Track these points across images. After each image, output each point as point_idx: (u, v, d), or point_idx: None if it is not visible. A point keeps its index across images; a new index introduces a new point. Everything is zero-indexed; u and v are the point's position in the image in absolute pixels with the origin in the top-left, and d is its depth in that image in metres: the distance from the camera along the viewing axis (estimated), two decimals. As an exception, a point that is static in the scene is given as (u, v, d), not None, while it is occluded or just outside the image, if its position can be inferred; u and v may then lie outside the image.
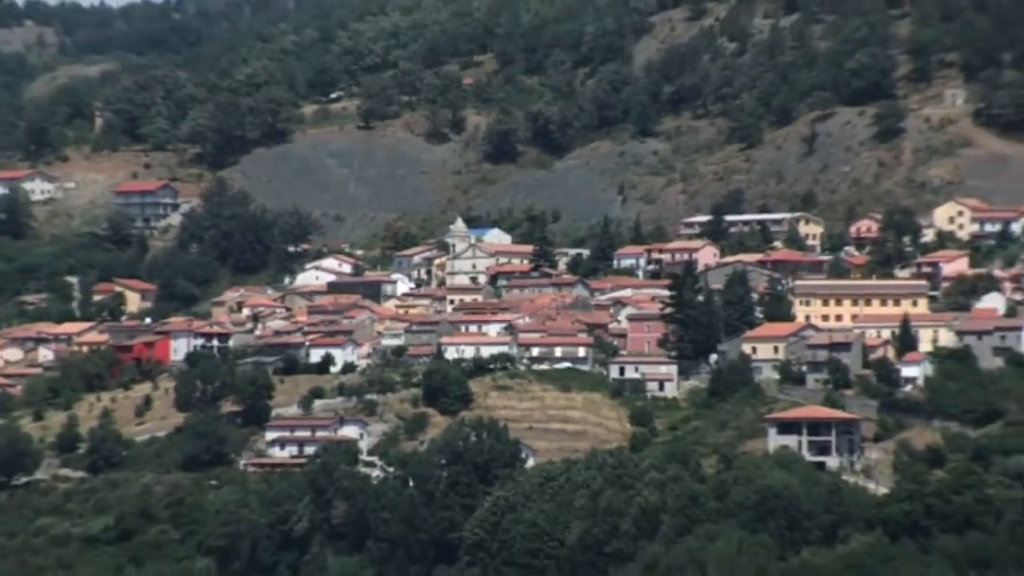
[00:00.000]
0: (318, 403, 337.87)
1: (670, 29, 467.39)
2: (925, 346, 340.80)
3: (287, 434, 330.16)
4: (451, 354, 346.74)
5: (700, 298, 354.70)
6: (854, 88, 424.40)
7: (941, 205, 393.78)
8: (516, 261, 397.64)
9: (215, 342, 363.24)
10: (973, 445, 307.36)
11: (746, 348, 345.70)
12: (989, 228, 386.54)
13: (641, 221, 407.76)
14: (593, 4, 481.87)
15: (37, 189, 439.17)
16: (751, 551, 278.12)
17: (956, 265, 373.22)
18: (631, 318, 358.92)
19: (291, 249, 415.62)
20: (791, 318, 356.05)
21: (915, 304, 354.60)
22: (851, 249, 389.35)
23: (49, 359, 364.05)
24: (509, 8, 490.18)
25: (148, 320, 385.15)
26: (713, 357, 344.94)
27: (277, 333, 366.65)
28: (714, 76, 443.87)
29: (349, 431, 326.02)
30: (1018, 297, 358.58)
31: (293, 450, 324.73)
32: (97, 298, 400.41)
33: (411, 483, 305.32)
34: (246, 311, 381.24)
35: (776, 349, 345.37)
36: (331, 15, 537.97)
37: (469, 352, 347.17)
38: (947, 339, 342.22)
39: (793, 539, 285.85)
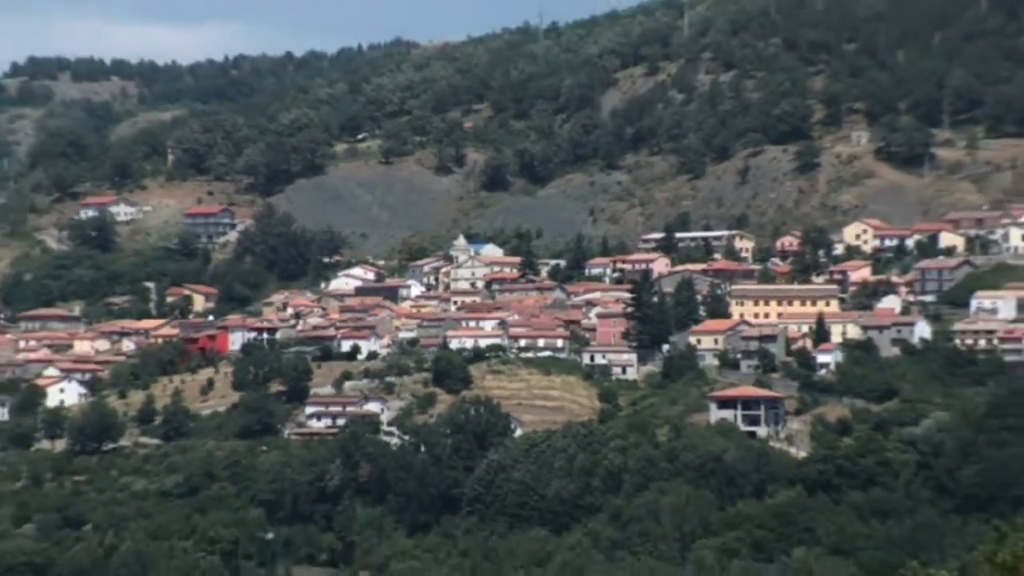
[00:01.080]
0: (348, 384, 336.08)
1: (631, 83, 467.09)
2: (836, 338, 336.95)
3: (323, 409, 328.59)
4: (454, 345, 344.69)
5: (655, 299, 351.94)
6: (779, 131, 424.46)
7: (849, 225, 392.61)
8: (507, 270, 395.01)
9: (264, 335, 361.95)
10: (875, 418, 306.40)
11: (692, 340, 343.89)
12: (888, 243, 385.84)
13: (607, 238, 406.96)
14: (568, 63, 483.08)
15: (121, 212, 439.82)
16: (696, 503, 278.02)
17: (861, 273, 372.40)
18: (599, 316, 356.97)
19: (326, 260, 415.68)
20: (728, 316, 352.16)
21: (828, 304, 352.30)
22: (776, 260, 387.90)
23: (131, 349, 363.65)
24: (501, 66, 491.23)
25: (210, 317, 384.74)
26: (665, 347, 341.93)
27: (315, 328, 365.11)
28: (666, 121, 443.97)
29: (372, 407, 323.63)
30: (911, 299, 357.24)
31: (327, 422, 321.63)
32: (169, 300, 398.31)
33: (422, 448, 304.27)
34: (289, 310, 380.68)
35: (716, 341, 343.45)
36: (358, 72, 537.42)
37: (469, 343, 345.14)
38: (854, 332, 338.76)
39: (730, 494, 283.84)
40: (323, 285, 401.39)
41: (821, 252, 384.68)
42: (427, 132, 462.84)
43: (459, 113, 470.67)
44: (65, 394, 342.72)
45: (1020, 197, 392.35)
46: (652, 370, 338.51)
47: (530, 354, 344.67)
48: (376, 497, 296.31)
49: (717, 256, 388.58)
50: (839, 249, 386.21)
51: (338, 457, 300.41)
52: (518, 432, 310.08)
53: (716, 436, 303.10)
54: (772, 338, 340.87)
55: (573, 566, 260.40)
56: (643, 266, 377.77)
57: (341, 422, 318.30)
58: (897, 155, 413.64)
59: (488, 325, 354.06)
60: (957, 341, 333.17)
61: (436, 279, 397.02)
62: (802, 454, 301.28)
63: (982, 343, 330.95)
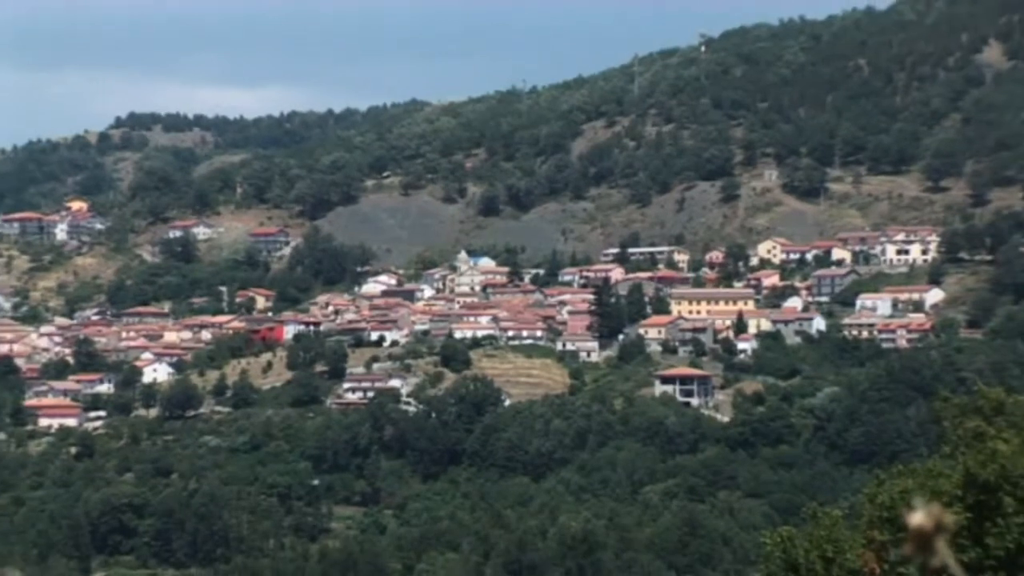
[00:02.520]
0: (375, 365, 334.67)
1: (594, 133, 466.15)
2: (752, 330, 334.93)
3: (356, 384, 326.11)
4: (458, 335, 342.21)
5: (612, 300, 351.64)
6: (708, 169, 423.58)
7: (762, 242, 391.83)
8: (498, 277, 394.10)
9: (311, 327, 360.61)
10: (782, 391, 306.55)
11: (641, 331, 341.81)
12: (792, 257, 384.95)
13: (576, 252, 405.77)
14: (545, 117, 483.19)
15: (201, 232, 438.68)
16: (644, 457, 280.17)
17: (771, 280, 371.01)
18: (570, 312, 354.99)
19: (358, 269, 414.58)
20: (669, 312, 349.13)
21: (746, 304, 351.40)
22: (706, 269, 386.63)
23: (208, 338, 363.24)
24: (494, 120, 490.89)
25: (269, 313, 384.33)
26: (620, 336, 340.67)
27: (350, 321, 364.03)
28: (621, 162, 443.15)
29: (394, 382, 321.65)
30: (810, 299, 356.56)
31: (360, 394, 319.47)
32: (238, 300, 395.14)
33: (433, 415, 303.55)
34: (330, 308, 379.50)
35: (660, 332, 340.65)
36: (383, 124, 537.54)
37: (469, 334, 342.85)
38: (765, 325, 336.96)
39: (670, 450, 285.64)
40: (356, 288, 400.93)
41: (740, 264, 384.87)
42: (436, 171, 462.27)
43: (461, 156, 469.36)
44: (157, 373, 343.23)
45: (894, 221, 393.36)
46: (610, 354, 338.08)
47: (516, 342, 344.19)
48: (397, 452, 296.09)
49: (660, 266, 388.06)
50: (754, 261, 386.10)
51: (368, 421, 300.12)
52: (507, 402, 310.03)
53: (659, 405, 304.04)
54: (703, 330, 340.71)
55: (549, 505, 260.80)
56: (603, 274, 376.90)
57: (370, 394, 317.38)
58: (799, 188, 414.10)
59: (484, 320, 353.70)
60: (845, 332, 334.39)
61: (443, 284, 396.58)
62: (725, 419, 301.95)
63: (865, 334, 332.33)
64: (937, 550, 4.27)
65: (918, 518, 4.46)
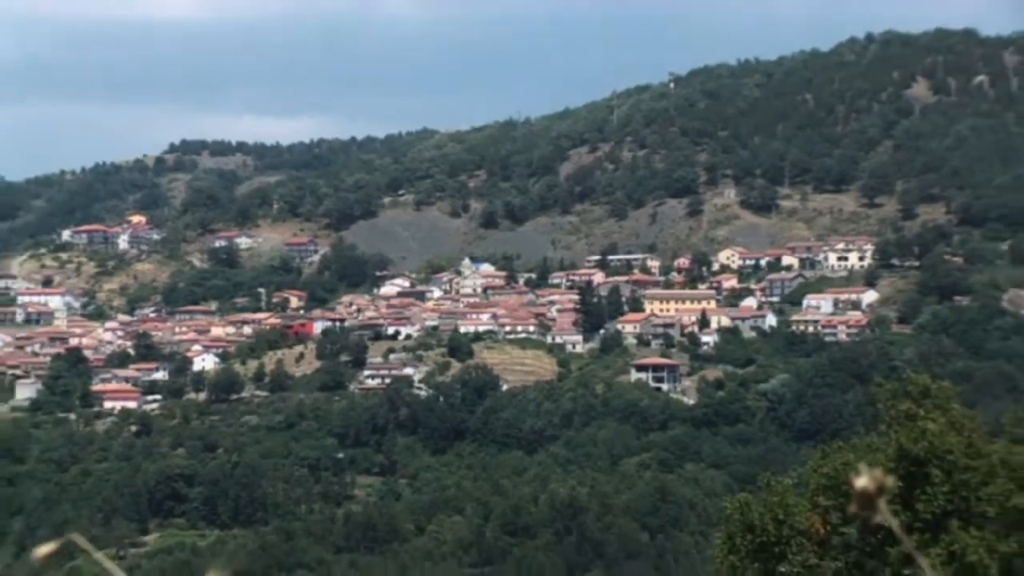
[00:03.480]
0: (392, 356, 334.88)
1: (579, 157, 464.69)
2: (714, 325, 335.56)
3: (375, 372, 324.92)
4: (462, 330, 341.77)
5: (595, 300, 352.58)
6: (676, 188, 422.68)
7: (722, 251, 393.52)
8: (497, 280, 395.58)
9: (337, 323, 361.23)
10: (739, 378, 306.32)
11: (619, 327, 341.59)
12: (748, 263, 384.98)
13: (563, 259, 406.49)
14: (537, 143, 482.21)
15: (243, 242, 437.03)
16: (621, 434, 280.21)
17: (730, 282, 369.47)
18: (559, 311, 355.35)
19: (377, 273, 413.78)
20: (643, 310, 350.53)
21: (708, 303, 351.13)
22: (675, 274, 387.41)
23: (249, 332, 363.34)
24: (493, 146, 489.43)
25: (301, 311, 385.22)
26: (601, 331, 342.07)
27: (370, 318, 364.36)
28: (602, 182, 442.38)
29: (408, 371, 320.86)
30: (763, 299, 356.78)
31: (379, 381, 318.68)
32: (274, 300, 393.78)
33: (441, 398, 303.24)
34: (354, 307, 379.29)
35: (635, 327, 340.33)
36: (398, 149, 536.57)
37: (472, 329, 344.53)
38: (725, 322, 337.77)
39: (644, 428, 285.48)
40: (375, 290, 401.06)
41: (704, 269, 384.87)
42: (444, 189, 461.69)
43: (465, 177, 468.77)
44: (205, 362, 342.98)
45: (835, 233, 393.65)
46: (592, 346, 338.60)
47: (512, 336, 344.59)
48: (410, 430, 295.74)
49: (635, 271, 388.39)
50: (716, 267, 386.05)
51: (385, 404, 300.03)
52: (504, 387, 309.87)
53: (634, 390, 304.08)
54: (671, 325, 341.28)
55: (540, 476, 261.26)
56: (587, 278, 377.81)
57: (387, 381, 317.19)
58: (754, 204, 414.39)
59: (484, 317, 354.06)
60: (793, 327, 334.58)
61: (450, 286, 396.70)
62: (691, 402, 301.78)
63: (810, 329, 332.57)
64: (879, 508, 4.31)
65: (862, 481, 4.51)
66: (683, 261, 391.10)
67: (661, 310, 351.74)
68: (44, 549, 8.42)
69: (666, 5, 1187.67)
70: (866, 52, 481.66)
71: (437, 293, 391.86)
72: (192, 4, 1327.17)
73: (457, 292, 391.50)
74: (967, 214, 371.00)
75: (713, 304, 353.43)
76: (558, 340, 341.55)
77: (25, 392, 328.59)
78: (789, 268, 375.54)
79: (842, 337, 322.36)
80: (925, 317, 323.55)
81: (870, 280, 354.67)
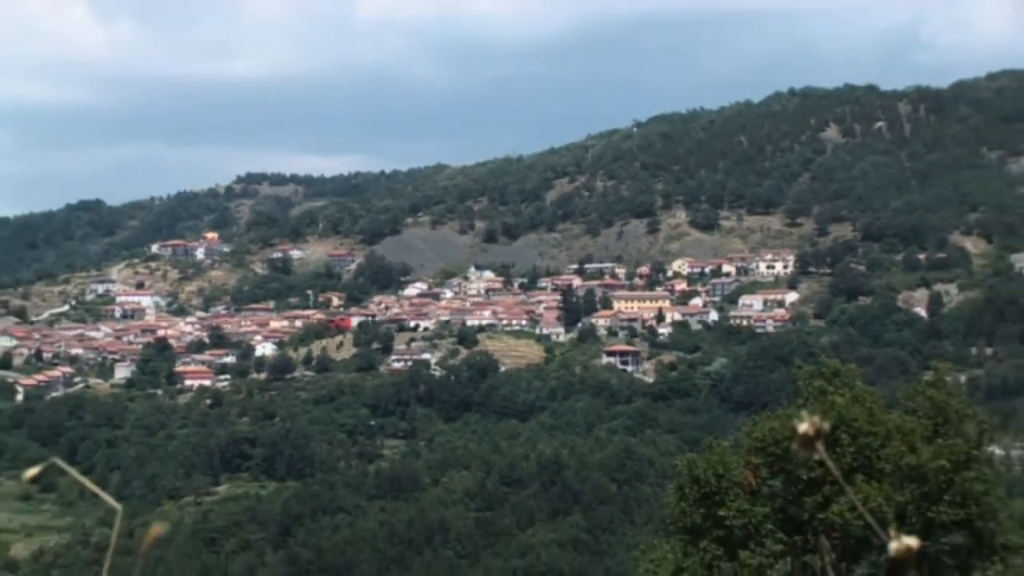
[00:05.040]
0: (413, 344, 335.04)
1: (561, 187, 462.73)
2: (668, 320, 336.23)
3: (400, 357, 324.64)
4: (469, 323, 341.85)
5: (574, 300, 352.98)
6: (639, 211, 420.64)
7: (675, 261, 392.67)
8: (497, 284, 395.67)
9: (370, 318, 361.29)
10: (688, 362, 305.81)
11: (593, 321, 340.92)
12: (695, 270, 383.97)
13: (549, 267, 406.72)
14: (528, 175, 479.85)
15: (295, 255, 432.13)
16: (595, 407, 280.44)
17: (681, 286, 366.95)
18: (546, 308, 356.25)
19: (402, 279, 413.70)
20: (612, 308, 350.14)
21: (664, 302, 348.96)
22: (638, 279, 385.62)
23: (300, 325, 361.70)
24: (493, 178, 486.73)
25: (341, 309, 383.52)
26: (579, 324, 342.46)
27: (396, 315, 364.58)
28: (580, 206, 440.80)
29: (426, 356, 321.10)
30: (707, 299, 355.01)
31: (403, 364, 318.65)
32: (320, 299, 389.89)
33: (452, 378, 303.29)
34: (383, 305, 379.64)
35: (606, 321, 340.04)
36: (418, 180, 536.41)
37: (476, 322, 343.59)
38: (677, 317, 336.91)
39: (612, 401, 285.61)
40: (400, 292, 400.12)
41: (660, 275, 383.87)
42: (454, 212, 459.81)
43: (471, 202, 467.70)
44: (265, 349, 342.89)
45: (764, 246, 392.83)
46: (572, 336, 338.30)
47: (508, 328, 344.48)
48: (427, 403, 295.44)
49: (606, 277, 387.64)
50: (670, 273, 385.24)
51: (408, 382, 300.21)
52: (502, 369, 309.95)
53: (605, 371, 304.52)
54: (635, 320, 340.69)
55: (530, 439, 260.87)
56: (568, 282, 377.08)
57: (409, 363, 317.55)
58: (700, 224, 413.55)
59: (486, 313, 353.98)
60: (731, 322, 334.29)
61: (459, 289, 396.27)
62: (650, 380, 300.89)
63: (744, 323, 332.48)
64: (817, 448, 4.31)
65: (804, 426, 4.50)
66: (644, 269, 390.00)
67: (626, 308, 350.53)
68: (31, 472, 8.09)
69: (631, 68, 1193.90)
70: (789, 103, 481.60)
71: (449, 294, 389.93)
72: (258, 65, 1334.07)
73: (465, 293, 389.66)
74: (869, 231, 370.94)
75: (667, 303, 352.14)
76: (544, 332, 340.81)
77: (122, 372, 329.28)
78: (728, 274, 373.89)
79: (770, 329, 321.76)
80: (835, 313, 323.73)
81: (792, 284, 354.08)
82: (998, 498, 40.39)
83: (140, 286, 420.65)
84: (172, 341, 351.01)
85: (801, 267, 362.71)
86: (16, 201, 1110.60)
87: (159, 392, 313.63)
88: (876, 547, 37.57)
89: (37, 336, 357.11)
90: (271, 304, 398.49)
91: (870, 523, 37.42)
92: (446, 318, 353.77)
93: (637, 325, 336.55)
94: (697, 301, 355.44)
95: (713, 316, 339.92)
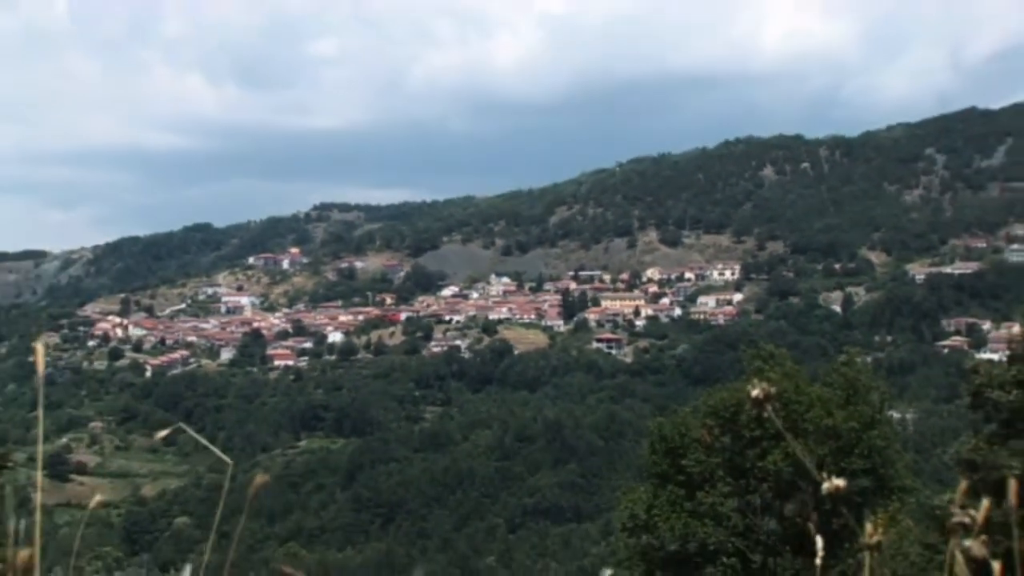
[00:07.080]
0: (448, 333, 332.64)
1: (560, 214, 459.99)
2: (643, 315, 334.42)
3: (438, 343, 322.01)
4: (491, 318, 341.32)
5: (570, 300, 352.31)
6: (620, 231, 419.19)
7: (649, 269, 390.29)
8: (512, 288, 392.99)
9: (415, 314, 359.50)
10: (659, 346, 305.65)
11: (586, 316, 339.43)
12: (664, 277, 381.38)
13: (552, 275, 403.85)
14: (532, 206, 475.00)
15: (359, 265, 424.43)
16: (587, 380, 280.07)
17: (653, 289, 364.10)
18: (549, 306, 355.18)
19: (439, 283, 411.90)
20: (601, 306, 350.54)
21: (641, 301, 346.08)
22: (620, 284, 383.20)
23: (361, 319, 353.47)
24: (510, 205, 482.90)
25: (393, 307, 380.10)
26: (575, 319, 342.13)
27: (435, 311, 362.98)
28: (575, 227, 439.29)
29: (458, 342, 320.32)
30: (673, 299, 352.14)
31: (440, 348, 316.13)
32: (377, 299, 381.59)
33: (478, 359, 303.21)
34: (425, 303, 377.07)
35: (596, 316, 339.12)
36: (453, 209, 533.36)
37: (497, 317, 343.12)
38: (651, 313, 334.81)
39: (600, 377, 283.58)
40: (438, 294, 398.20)
41: (637, 280, 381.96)
42: (479, 232, 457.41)
43: (492, 224, 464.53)
44: (335, 337, 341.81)
45: (717, 259, 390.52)
46: (570, 328, 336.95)
47: (521, 322, 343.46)
48: (459, 378, 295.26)
49: (596, 282, 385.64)
50: (645, 279, 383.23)
51: (444, 363, 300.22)
52: (516, 352, 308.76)
53: (595, 354, 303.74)
54: (618, 315, 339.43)
55: (538, 406, 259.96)
56: (566, 286, 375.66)
57: (445, 348, 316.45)
58: (668, 241, 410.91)
59: (504, 310, 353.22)
60: (692, 316, 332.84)
61: (483, 291, 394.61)
62: (629, 361, 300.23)
63: (702, 317, 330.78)
64: (767, 409, 4.30)
65: (755, 391, 4.47)
66: (624, 275, 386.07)
67: (611, 306, 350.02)
68: (162, 433, 8.08)
69: (615, 121, 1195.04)
70: (736, 148, 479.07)
71: (475, 295, 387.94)
72: (332, 119, 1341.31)
73: (487, 295, 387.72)
74: (796, 247, 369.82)
75: (643, 302, 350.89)
76: (548, 324, 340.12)
77: (226, 355, 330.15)
78: (689, 280, 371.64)
79: (721, 322, 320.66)
80: (771, 310, 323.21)
81: (738, 287, 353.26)
82: (896, 451, 40.53)
83: (240, 289, 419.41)
84: (264, 331, 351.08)
85: (745, 274, 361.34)
86: (146, 225, 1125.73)
87: (254, 370, 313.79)
88: (802, 489, 37.67)
89: (161, 327, 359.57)
90: (339, 303, 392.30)
91: (799, 470, 37.43)
92: (473, 313, 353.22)
93: (619, 319, 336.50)
94: (665, 300, 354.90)
95: (678, 312, 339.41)
